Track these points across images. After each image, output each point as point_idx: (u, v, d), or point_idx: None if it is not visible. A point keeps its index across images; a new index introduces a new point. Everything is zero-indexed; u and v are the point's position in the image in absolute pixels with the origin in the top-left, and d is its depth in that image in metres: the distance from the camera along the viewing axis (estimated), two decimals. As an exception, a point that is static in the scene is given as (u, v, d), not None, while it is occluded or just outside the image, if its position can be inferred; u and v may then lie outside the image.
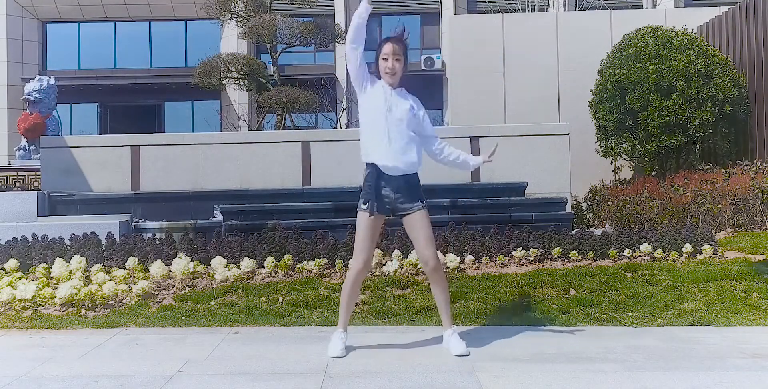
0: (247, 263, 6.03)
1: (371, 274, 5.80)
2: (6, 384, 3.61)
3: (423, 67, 22.03)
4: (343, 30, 18.27)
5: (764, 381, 3.57)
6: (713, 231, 7.12)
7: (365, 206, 4.12)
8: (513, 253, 6.32)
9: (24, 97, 13.74)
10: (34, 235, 6.82)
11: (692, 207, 8.15)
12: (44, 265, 6.16)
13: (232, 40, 22.47)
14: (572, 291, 5.48)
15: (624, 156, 10.71)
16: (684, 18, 11.67)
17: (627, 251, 6.37)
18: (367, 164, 4.17)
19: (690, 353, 4.10)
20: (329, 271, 6.10)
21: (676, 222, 7.84)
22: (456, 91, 12.92)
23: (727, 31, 10.97)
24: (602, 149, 10.74)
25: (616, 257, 6.35)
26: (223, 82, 17.10)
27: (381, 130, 4.11)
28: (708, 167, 9.76)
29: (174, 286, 5.78)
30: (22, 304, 5.23)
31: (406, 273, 5.96)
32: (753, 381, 3.57)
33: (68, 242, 6.68)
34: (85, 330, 4.87)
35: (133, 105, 24.16)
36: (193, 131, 22.83)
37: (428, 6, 24.12)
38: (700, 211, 8.10)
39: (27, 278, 5.90)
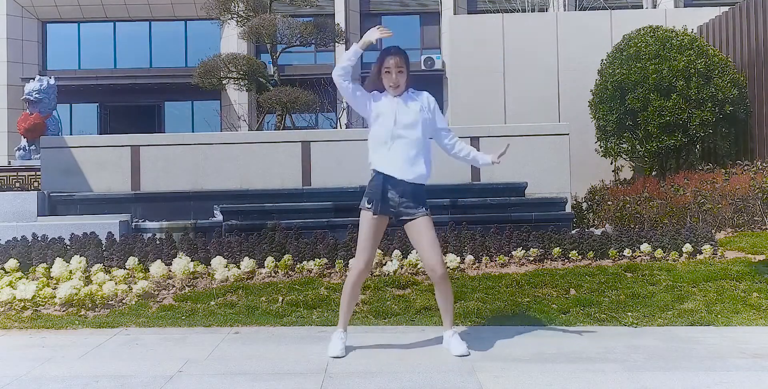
0: (247, 263, 6.03)
1: (371, 274, 5.80)
2: (6, 384, 3.61)
3: (423, 67, 22.03)
4: (343, 30, 18.30)
5: (764, 381, 3.57)
6: (713, 231, 7.12)
7: (369, 205, 4.10)
8: (513, 253, 6.32)
9: (24, 97, 13.74)
10: (34, 235, 6.82)
11: (692, 207, 8.15)
12: (44, 265, 6.16)
13: (232, 40, 22.46)
14: (572, 291, 5.48)
15: (624, 156, 10.71)
16: (684, 18, 11.66)
17: (627, 251, 6.37)
18: (375, 170, 4.17)
19: (690, 353, 4.10)
20: (329, 271, 6.10)
21: (676, 222, 7.84)
22: (456, 92, 12.92)
23: (727, 31, 10.97)
24: (602, 149, 10.74)
25: (616, 257, 6.35)
26: (223, 82, 17.10)
27: (388, 142, 4.09)
28: (708, 167, 9.76)
29: (174, 286, 5.78)
30: (22, 304, 5.23)
31: (406, 273, 5.96)
32: (753, 381, 3.57)
33: (68, 242, 6.68)
34: (85, 330, 4.86)
35: (133, 105, 24.15)
36: (193, 131, 22.82)
37: (428, 6, 24.12)
38: (700, 211, 8.10)
39: (27, 278, 5.90)
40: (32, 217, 7.86)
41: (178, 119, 24.24)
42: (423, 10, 24.25)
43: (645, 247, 6.36)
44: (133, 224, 7.62)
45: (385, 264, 6.04)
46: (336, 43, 18.16)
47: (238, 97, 22.84)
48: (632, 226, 8.01)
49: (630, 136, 10.27)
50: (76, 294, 5.27)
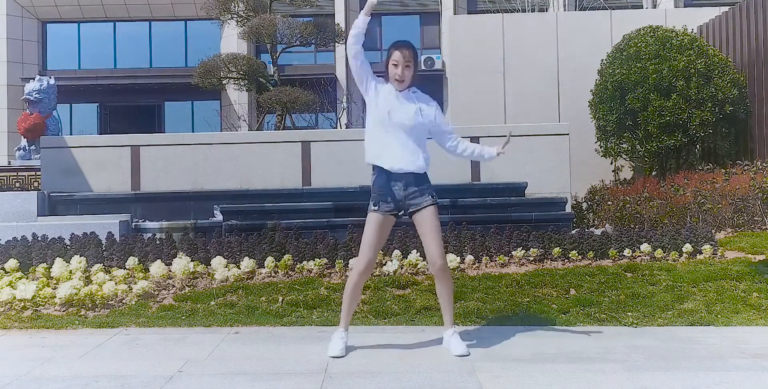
0: (247, 263, 6.02)
1: (371, 274, 5.79)
2: (6, 384, 3.61)
3: (423, 67, 22.02)
4: (343, 30, 18.29)
5: (764, 381, 3.57)
6: (713, 231, 7.11)
7: (375, 208, 4.13)
8: (513, 253, 6.32)
9: (24, 97, 13.73)
10: (34, 235, 6.82)
11: (692, 207, 8.15)
12: (44, 265, 6.16)
13: (232, 40, 22.46)
14: (572, 291, 5.48)
15: (624, 156, 10.71)
16: (684, 18, 11.66)
17: (627, 251, 6.37)
18: (373, 167, 4.18)
19: (690, 353, 4.10)
20: (329, 271, 6.10)
21: (676, 222, 7.84)
22: (456, 91, 12.92)
23: (727, 31, 10.97)
24: (602, 149, 10.74)
25: (616, 257, 6.35)
26: (223, 82, 17.11)
27: (385, 134, 4.11)
28: (708, 167, 9.76)
29: (174, 286, 5.78)
30: (22, 304, 5.23)
31: (406, 273, 5.96)
32: (753, 381, 3.57)
33: (68, 242, 6.68)
34: (85, 330, 4.86)
35: (133, 105, 24.15)
36: (193, 131, 22.82)
37: (428, 6, 24.12)
38: (700, 211, 8.10)
39: (27, 278, 5.90)
40: (32, 217, 7.86)
41: (178, 119, 24.25)
42: (423, 10, 24.25)
43: (645, 247, 6.36)
44: (133, 224, 7.62)
45: (385, 264, 6.04)
46: (336, 43, 18.16)
47: (238, 97, 22.84)
48: (632, 226, 8.01)
49: (630, 136, 10.27)
50: (76, 294, 5.27)
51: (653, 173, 10.52)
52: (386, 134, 4.11)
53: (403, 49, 4.11)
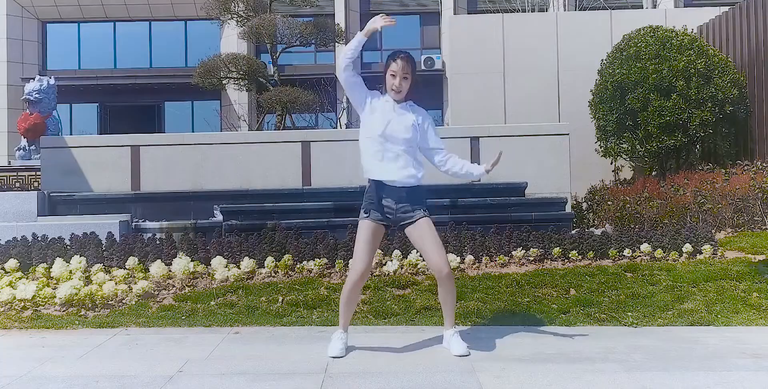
0: (247, 263, 6.03)
1: (371, 274, 5.80)
2: (6, 384, 3.61)
3: (423, 67, 22.02)
4: (343, 30, 18.30)
5: (764, 381, 3.57)
6: (713, 231, 7.12)
7: (366, 215, 4.13)
8: (513, 253, 6.32)
9: (24, 97, 13.73)
10: (34, 235, 6.82)
11: (692, 207, 8.15)
12: (44, 265, 6.16)
13: (232, 40, 22.45)
14: (572, 291, 5.48)
15: (624, 156, 10.71)
16: (684, 18, 11.66)
17: (627, 251, 6.37)
18: (369, 180, 4.19)
19: (690, 353, 4.10)
20: (329, 271, 6.10)
21: (676, 222, 7.84)
22: (456, 91, 12.92)
23: (727, 31, 10.97)
24: (602, 149, 10.74)
25: (616, 257, 6.35)
26: (223, 82, 17.10)
27: (379, 147, 4.09)
28: (708, 167, 9.76)
29: (174, 286, 5.78)
30: (22, 304, 5.23)
31: (406, 273, 5.96)
32: (753, 381, 3.57)
33: (68, 242, 6.67)
34: (85, 330, 4.86)
35: (133, 105, 24.14)
36: (193, 131, 22.81)
37: (428, 6, 24.12)
38: (700, 211, 8.10)
39: (27, 278, 5.91)
40: (32, 217, 7.86)
41: (178, 119, 24.23)
42: (423, 10, 24.25)
43: (645, 247, 6.36)
44: (133, 224, 7.62)
45: (385, 264, 6.04)
46: (336, 43, 18.16)
47: (238, 97, 22.84)
48: (632, 226, 8.01)
49: (630, 136, 10.27)
50: (76, 294, 5.27)
51: (653, 173, 10.52)
52: (380, 146, 4.10)
53: (401, 60, 4.10)
